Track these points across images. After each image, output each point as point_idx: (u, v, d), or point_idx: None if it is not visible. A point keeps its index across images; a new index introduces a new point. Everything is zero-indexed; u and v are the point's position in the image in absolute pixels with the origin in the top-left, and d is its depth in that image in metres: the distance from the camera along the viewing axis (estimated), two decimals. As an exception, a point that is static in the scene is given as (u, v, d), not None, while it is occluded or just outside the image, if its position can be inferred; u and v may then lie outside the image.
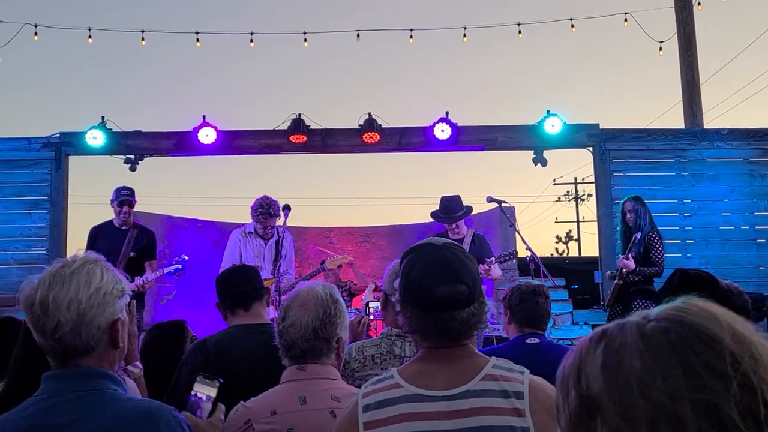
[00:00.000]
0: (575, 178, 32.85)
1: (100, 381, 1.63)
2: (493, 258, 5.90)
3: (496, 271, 5.95)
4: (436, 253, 1.70)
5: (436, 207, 6.25)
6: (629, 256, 6.02)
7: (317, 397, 2.09)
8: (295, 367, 2.17)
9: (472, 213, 6.96)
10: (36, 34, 8.77)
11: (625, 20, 9.07)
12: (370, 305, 5.28)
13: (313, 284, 2.31)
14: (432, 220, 6.42)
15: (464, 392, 1.58)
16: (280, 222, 6.22)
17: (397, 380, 1.64)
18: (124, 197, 6.29)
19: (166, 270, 6.28)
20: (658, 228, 6.30)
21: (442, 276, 1.65)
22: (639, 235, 6.07)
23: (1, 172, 7.89)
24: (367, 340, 3.14)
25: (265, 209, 6.10)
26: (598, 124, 8.04)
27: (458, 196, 6.29)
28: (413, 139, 7.99)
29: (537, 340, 3.19)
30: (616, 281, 6.21)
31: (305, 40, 9.11)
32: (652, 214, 6.52)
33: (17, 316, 3.18)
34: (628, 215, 6.29)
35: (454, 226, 6.15)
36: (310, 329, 2.15)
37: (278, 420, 2.06)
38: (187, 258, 6.40)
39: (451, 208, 6.15)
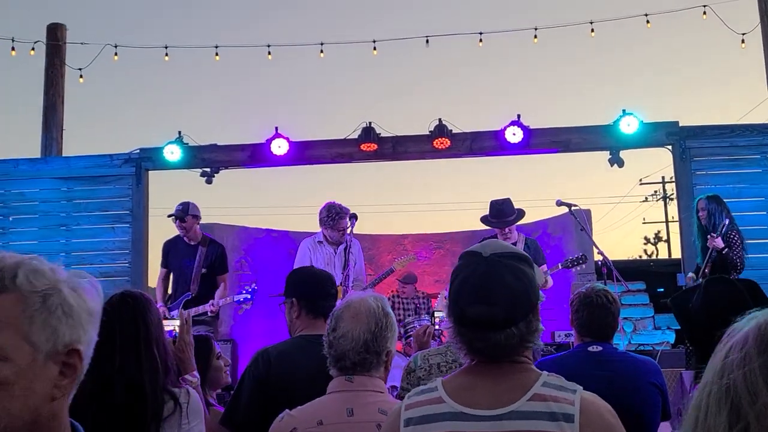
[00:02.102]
0: (663, 177, 31.89)
1: None
2: (545, 265, 5.79)
3: (549, 281, 5.83)
4: (478, 266, 1.61)
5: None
6: (718, 237, 5.91)
7: (365, 410, 2.07)
8: (342, 377, 2.16)
9: (546, 217, 6.84)
10: (116, 54, 9.08)
11: (704, 13, 8.73)
12: (436, 314, 5.25)
13: (364, 295, 2.28)
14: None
15: (509, 413, 1.50)
16: (347, 230, 6.26)
17: (440, 394, 1.59)
18: (176, 212, 6.46)
19: (235, 298, 6.39)
20: (743, 227, 6.13)
21: (475, 295, 1.57)
22: (726, 223, 5.97)
23: (86, 189, 8.21)
24: (432, 348, 3.09)
25: (336, 210, 6.19)
26: (677, 122, 7.74)
27: (509, 199, 6.13)
28: (484, 144, 7.89)
29: (600, 348, 3.07)
30: (700, 281, 6.04)
31: (374, 48, 9.13)
32: (738, 213, 6.31)
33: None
34: (700, 213, 6.19)
35: (506, 230, 6.00)
36: (362, 342, 2.14)
37: (325, 431, 2.05)
38: (257, 288, 6.46)
39: (503, 212, 5.99)
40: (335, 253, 6.29)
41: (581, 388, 1.56)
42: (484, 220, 6.22)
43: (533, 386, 1.54)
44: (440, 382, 1.62)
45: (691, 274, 6.39)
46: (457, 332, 1.62)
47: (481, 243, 1.72)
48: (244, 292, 6.39)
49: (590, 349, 3.07)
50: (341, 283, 6.02)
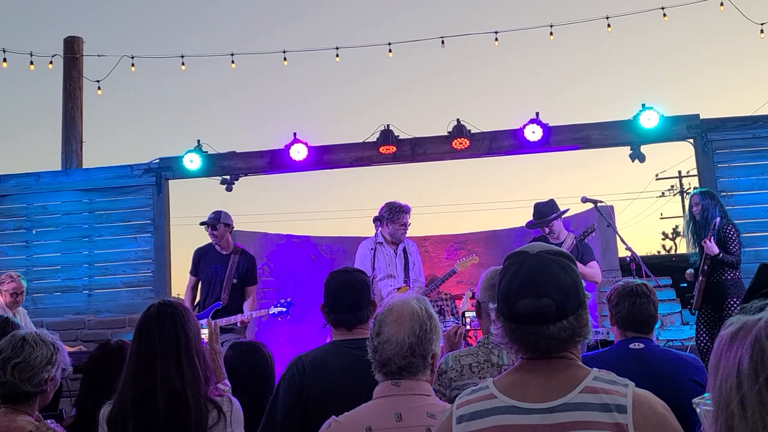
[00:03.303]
0: (679, 172, 31.62)
1: None
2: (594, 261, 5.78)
3: (599, 276, 5.83)
4: (525, 263, 1.61)
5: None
6: (711, 239, 5.89)
7: (413, 414, 2.03)
8: (389, 382, 2.12)
9: (569, 214, 6.81)
10: (133, 65, 9.12)
11: (721, 4, 8.65)
12: (466, 315, 5.24)
13: (406, 297, 2.24)
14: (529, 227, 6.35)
15: (561, 405, 1.50)
16: (372, 233, 6.26)
17: (491, 391, 1.59)
18: (208, 220, 6.48)
19: (271, 311, 6.37)
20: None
21: (525, 289, 1.57)
22: (718, 221, 5.96)
23: (107, 200, 8.25)
24: (464, 349, 3.07)
25: (397, 206, 6.26)
26: (698, 115, 7.67)
27: (552, 200, 6.18)
28: (503, 143, 7.86)
29: (642, 345, 3.02)
30: (701, 278, 6.04)
31: (390, 51, 9.13)
32: (761, 205, 6.28)
33: (127, 338, 3.31)
34: (695, 208, 6.23)
35: (547, 230, 6.07)
36: (406, 346, 2.10)
37: None
38: (291, 301, 6.41)
39: (543, 212, 6.06)
40: (395, 254, 6.32)
41: (633, 383, 1.56)
42: (527, 224, 6.30)
43: (584, 380, 1.54)
44: (491, 381, 1.62)
45: (690, 271, 6.36)
46: (507, 329, 1.61)
47: (529, 244, 1.73)
48: (280, 305, 6.37)
49: (632, 345, 3.01)
50: (405, 283, 6.09)
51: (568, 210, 6.33)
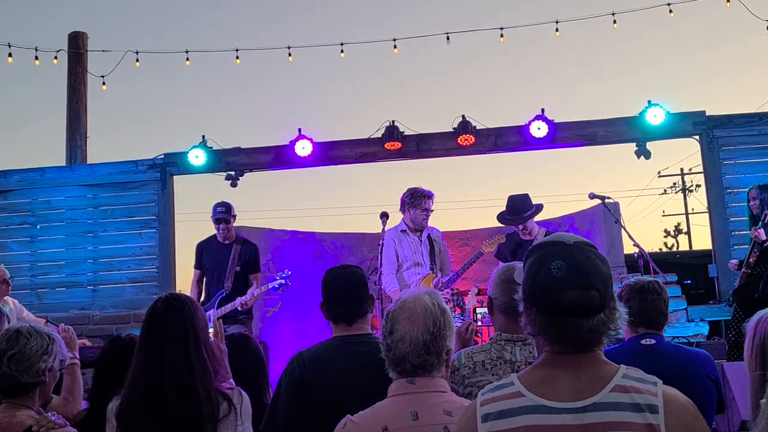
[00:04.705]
0: (681, 169, 31.61)
1: None
2: None
3: None
4: (566, 254, 1.56)
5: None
6: (760, 228, 5.85)
7: (429, 412, 2.00)
8: (404, 380, 2.08)
9: (574, 211, 6.79)
10: (137, 60, 9.11)
11: (728, 0, 8.63)
12: (477, 311, 5.25)
13: (418, 292, 2.19)
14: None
15: (593, 404, 1.47)
16: (378, 229, 6.24)
17: (518, 388, 1.54)
18: (219, 215, 6.46)
19: (270, 285, 6.36)
20: None
21: (571, 281, 1.53)
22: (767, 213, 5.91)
23: (111, 195, 8.23)
24: (476, 346, 3.06)
25: (419, 191, 6.27)
26: (704, 111, 7.67)
27: (527, 194, 6.10)
28: (509, 139, 7.85)
29: (653, 341, 3.03)
30: (743, 270, 5.98)
31: (395, 47, 9.10)
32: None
33: (135, 333, 3.30)
34: (752, 202, 6.16)
35: (521, 227, 5.99)
36: (421, 343, 2.06)
37: None
38: (290, 272, 6.45)
39: (517, 208, 5.96)
40: (420, 241, 6.29)
41: (660, 381, 1.53)
42: (500, 218, 6.19)
43: (614, 378, 1.51)
44: (516, 377, 1.58)
45: (734, 261, 6.33)
46: (542, 322, 1.57)
47: (556, 234, 1.69)
48: (280, 278, 6.34)
49: (643, 341, 3.02)
50: (431, 270, 6.07)
51: (542, 206, 6.24)
